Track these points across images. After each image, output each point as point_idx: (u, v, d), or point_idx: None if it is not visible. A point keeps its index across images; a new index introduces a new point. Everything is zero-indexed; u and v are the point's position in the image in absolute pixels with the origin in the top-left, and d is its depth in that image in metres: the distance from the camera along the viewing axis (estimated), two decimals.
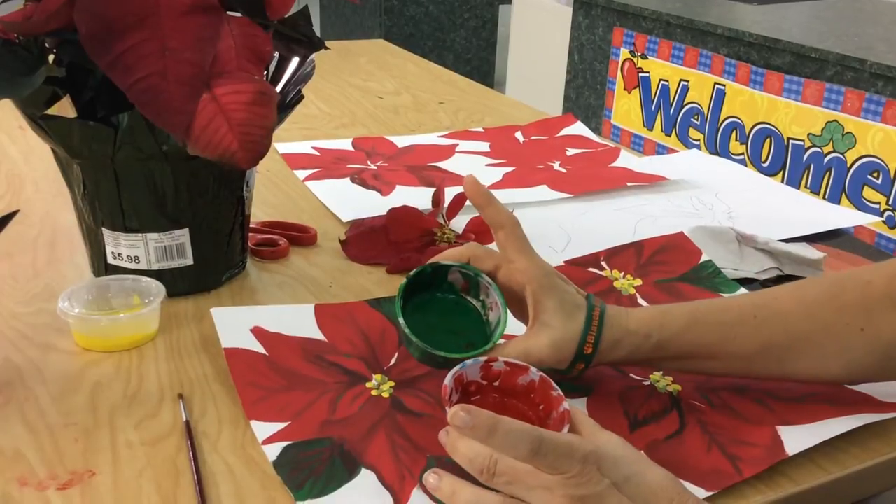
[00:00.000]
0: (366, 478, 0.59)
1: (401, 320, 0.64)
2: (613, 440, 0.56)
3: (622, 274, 0.89)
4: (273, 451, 0.61)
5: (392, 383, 0.70)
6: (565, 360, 0.65)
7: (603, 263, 0.90)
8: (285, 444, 0.62)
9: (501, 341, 0.66)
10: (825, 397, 0.69)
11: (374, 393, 0.69)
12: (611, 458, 0.53)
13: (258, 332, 0.74)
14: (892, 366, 0.65)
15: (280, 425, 0.64)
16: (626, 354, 0.66)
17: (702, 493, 0.59)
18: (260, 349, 0.73)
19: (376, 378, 0.71)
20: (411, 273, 0.66)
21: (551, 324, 0.65)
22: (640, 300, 0.85)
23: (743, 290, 0.87)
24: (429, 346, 0.64)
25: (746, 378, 0.70)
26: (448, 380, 0.59)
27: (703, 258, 0.91)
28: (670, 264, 0.91)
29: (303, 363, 0.72)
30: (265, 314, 0.78)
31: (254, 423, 0.64)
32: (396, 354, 0.74)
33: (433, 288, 0.69)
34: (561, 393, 0.59)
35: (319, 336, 0.76)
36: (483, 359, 0.62)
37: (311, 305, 0.80)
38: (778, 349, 0.66)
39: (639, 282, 0.88)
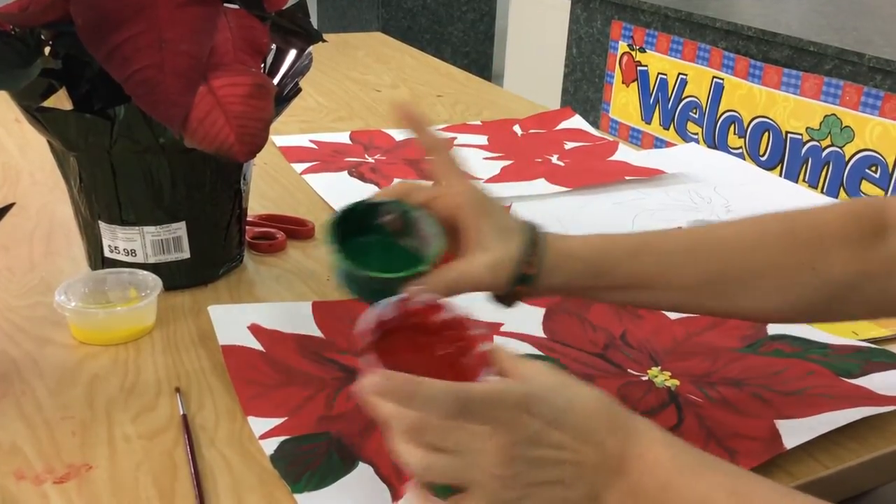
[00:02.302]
0: (363, 471, 0.59)
1: (335, 254, 0.60)
2: (539, 370, 0.53)
3: None
4: (270, 445, 0.61)
5: None
6: (503, 282, 0.62)
7: None
8: (283, 438, 0.62)
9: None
10: (823, 390, 0.69)
11: None
12: (540, 397, 0.50)
13: (255, 329, 0.74)
14: (838, 306, 0.64)
15: (277, 420, 0.64)
16: (565, 280, 0.63)
17: None
18: (257, 346, 0.72)
19: None
20: (339, 212, 0.63)
21: (488, 246, 0.62)
22: None
23: None
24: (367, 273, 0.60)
25: (690, 312, 0.68)
26: (362, 323, 0.55)
27: None
28: None
29: (300, 359, 0.72)
30: (262, 311, 0.78)
31: (251, 419, 0.64)
32: None
33: (365, 232, 0.65)
34: (483, 331, 0.56)
35: (317, 332, 0.76)
36: (398, 297, 0.58)
37: (308, 302, 0.80)
38: (722, 282, 0.63)
39: None
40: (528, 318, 0.80)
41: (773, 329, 0.80)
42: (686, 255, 0.64)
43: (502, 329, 0.78)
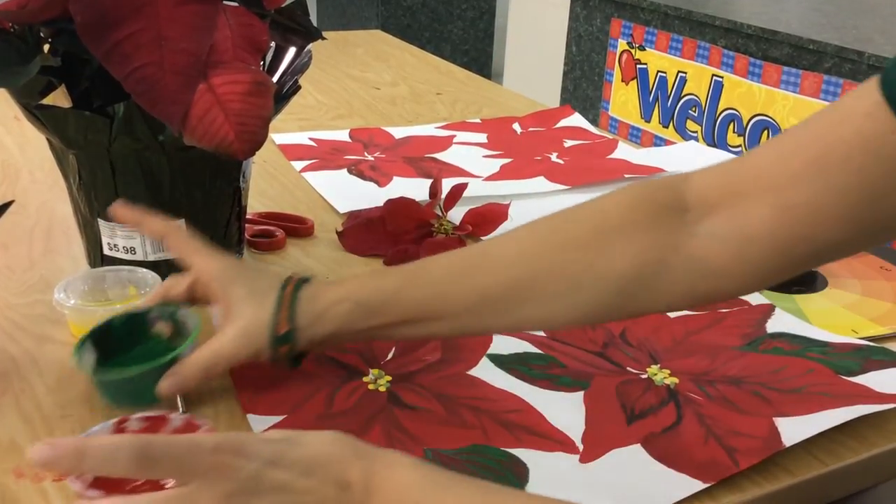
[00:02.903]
0: None
1: (76, 360, 0.60)
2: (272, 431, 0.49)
3: None
4: None
5: (389, 378, 0.70)
6: (262, 347, 0.60)
7: None
8: None
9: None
10: (823, 388, 0.69)
11: (370, 387, 0.69)
12: (255, 439, 0.45)
13: None
14: (628, 302, 0.59)
15: (276, 419, 0.64)
16: (339, 326, 0.61)
17: (698, 485, 0.59)
18: None
19: (373, 372, 0.71)
20: (95, 327, 0.63)
21: (240, 313, 0.60)
22: None
23: None
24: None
25: (478, 333, 0.66)
26: None
27: None
28: None
29: None
30: None
31: (250, 417, 0.64)
32: (393, 349, 0.74)
33: (137, 342, 0.65)
34: (209, 426, 0.55)
35: None
36: (112, 422, 0.54)
37: None
38: (499, 300, 0.60)
39: None
40: None
41: (773, 327, 0.80)
42: (456, 278, 0.61)
43: None
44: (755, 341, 0.77)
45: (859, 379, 0.71)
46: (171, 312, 0.65)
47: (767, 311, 0.83)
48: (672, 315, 0.82)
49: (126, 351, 0.65)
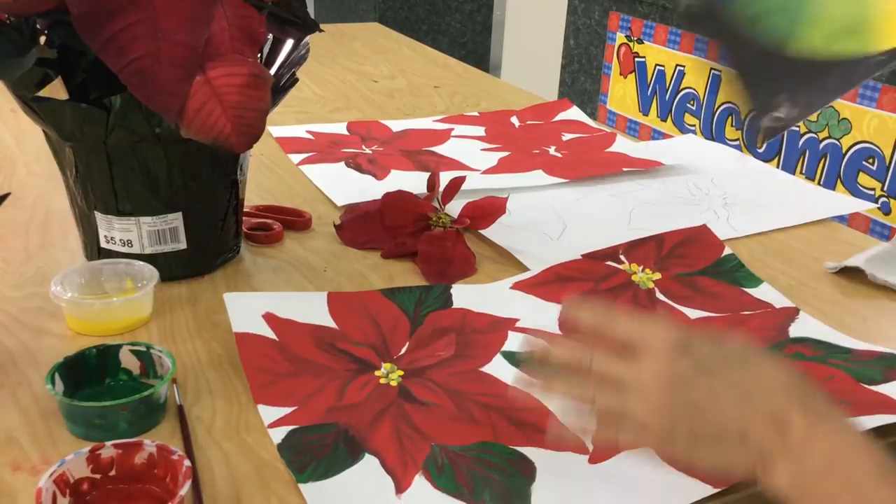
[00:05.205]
0: (368, 463, 0.59)
1: (48, 388, 0.60)
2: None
3: (641, 268, 0.87)
4: (278, 434, 0.61)
5: (401, 372, 0.70)
6: None
7: (622, 257, 0.88)
8: (291, 428, 0.62)
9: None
10: (842, 396, 0.68)
11: (382, 381, 0.68)
12: (713, 353, 0.50)
13: (269, 318, 0.74)
14: None
15: (286, 410, 0.64)
16: None
17: (709, 489, 0.58)
18: (271, 335, 0.72)
19: (385, 367, 0.70)
20: (69, 356, 0.63)
21: None
22: (658, 294, 0.84)
23: (765, 285, 0.85)
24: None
25: None
26: (44, 481, 0.51)
27: (726, 252, 0.89)
28: (691, 258, 0.89)
29: (313, 350, 0.71)
30: (277, 301, 0.77)
31: (260, 407, 0.64)
32: (407, 344, 0.74)
33: (105, 375, 0.66)
34: (181, 453, 0.54)
35: (331, 324, 0.75)
36: (86, 450, 0.54)
37: (323, 293, 0.80)
38: None
39: (658, 275, 0.86)
40: (544, 314, 0.79)
41: (796, 332, 0.78)
42: None
43: (517, 325, 0.77)
44: (776, 346, 0.76)
45: (881, 388, 0.69)
46: (147, 347, 0.65)
47: (791, 314, 0.81)
48: (693, 316, 0.81)
49: (96, 384, 0.65)
